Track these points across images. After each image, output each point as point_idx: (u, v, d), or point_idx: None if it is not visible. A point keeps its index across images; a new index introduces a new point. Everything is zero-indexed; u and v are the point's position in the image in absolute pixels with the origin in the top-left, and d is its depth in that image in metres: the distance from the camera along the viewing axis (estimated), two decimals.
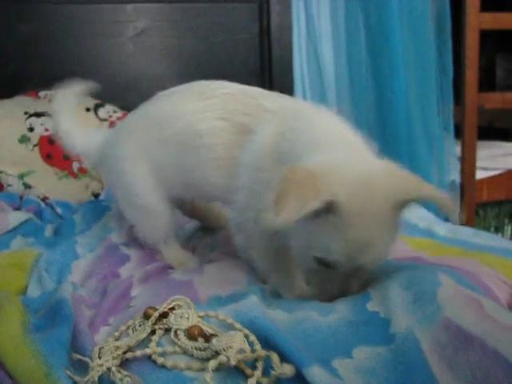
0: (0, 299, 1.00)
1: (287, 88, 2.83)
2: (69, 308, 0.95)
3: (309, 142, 1.00)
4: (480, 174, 2.53)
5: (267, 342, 0.83)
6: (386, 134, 2.06)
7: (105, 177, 1.33)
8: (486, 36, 2.28)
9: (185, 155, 1.21)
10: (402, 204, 0.92)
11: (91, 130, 1.49)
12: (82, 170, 2.17)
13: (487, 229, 2.78)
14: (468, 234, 1.44)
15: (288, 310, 0.96)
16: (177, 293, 1.00)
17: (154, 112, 1.30)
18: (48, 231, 1.59)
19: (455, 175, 2.36)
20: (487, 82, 3.67)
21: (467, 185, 2.41)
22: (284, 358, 0.78)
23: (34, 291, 1.18)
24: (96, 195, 2.11)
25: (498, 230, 2.86)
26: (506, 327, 0.78)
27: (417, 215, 1.63)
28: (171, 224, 1.33)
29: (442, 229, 1.50)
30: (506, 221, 2.86)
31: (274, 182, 0.92)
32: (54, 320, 0.92)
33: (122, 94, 2.67)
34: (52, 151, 2.14)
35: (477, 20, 2.27)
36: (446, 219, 1.84)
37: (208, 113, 1.18)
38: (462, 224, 2.25)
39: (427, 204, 1.96)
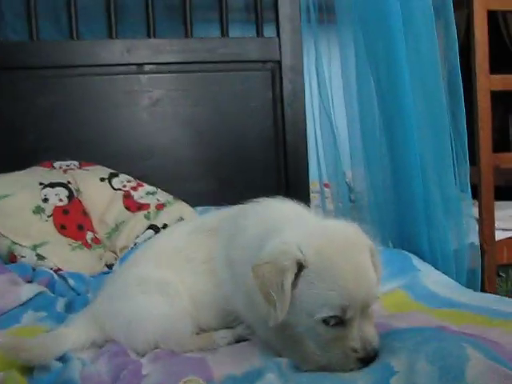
0: (3, 379, 0.97)
1: (301, 153, 2.85)
2: None
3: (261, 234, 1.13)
4: (499, 235, 2.47)
5: None
6: (402, 198, 2.03)
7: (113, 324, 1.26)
8: (497, 97, 2.28)
9: (183, 274, 1.28)
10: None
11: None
12: (96, 241, 2.16)
13: (510, 290, 2.71)
14: (491, 300, 1.38)
15: None
16: (190, 370, 0.96)
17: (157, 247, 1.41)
18: (60, 305, 1.56)
19: (474, 237, 2.31)
20: (501, 143, 3.66)
21: (487, 246, 2.35)
22: None
23: (41, 371, 1.13)
24: (110, 266, 2.08)
25: None
26: None
27: (435, 281, 1.57)
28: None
29: (463, 296, 1.44)
30: None
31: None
32: None
33: (137, 163, 2.70)
34: (66, 221, 2.12)
35: (487, 82, 2.28)
36: (468, 285, 1.79)
37: (182, 231, 1.38)
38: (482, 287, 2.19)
39: (447, 269, 1.92)
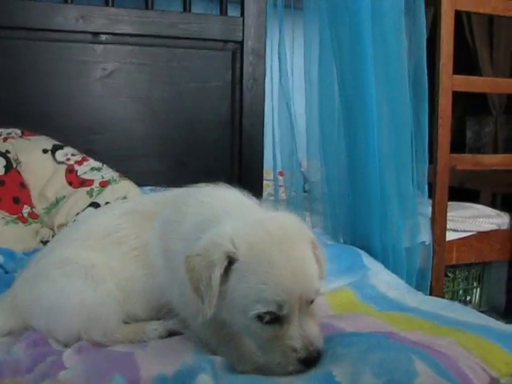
0: None
1: (257, 139, 2.77)
2: None
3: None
4: (450, 236, 2.48)
5: None
6: (357, 192, 1.99)
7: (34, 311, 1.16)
8: (454, 99, 2.27)
9: (111, 259, 1.19)
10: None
11: None
12: (33, 215, 2.02)
13: (455, 291, 2.74)
14: (440, 305, 1.33)
15: None
16: (115, 368, 0.87)
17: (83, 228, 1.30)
18: None
19: (425, 236, 2.29)
20: (457, 144, 3.70)
21: (437, 246, 2.35)
22: None
23: None
24: (45, 242, 1.95)
25: (467, 292, 2.81)
26: None
27: (385, 281, 1.52)
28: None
29: (412, 299, 1.40)
30: (475, 284, 2.81)
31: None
32: None
33: (87, 136, 2.57)
34: (1, 193, 1.99)
35: (449, 82, 2.26)
36: (418, 287, 1.75)
37: (114, 211, 1.28)
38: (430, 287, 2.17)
39: (397, 268, 1.89)
